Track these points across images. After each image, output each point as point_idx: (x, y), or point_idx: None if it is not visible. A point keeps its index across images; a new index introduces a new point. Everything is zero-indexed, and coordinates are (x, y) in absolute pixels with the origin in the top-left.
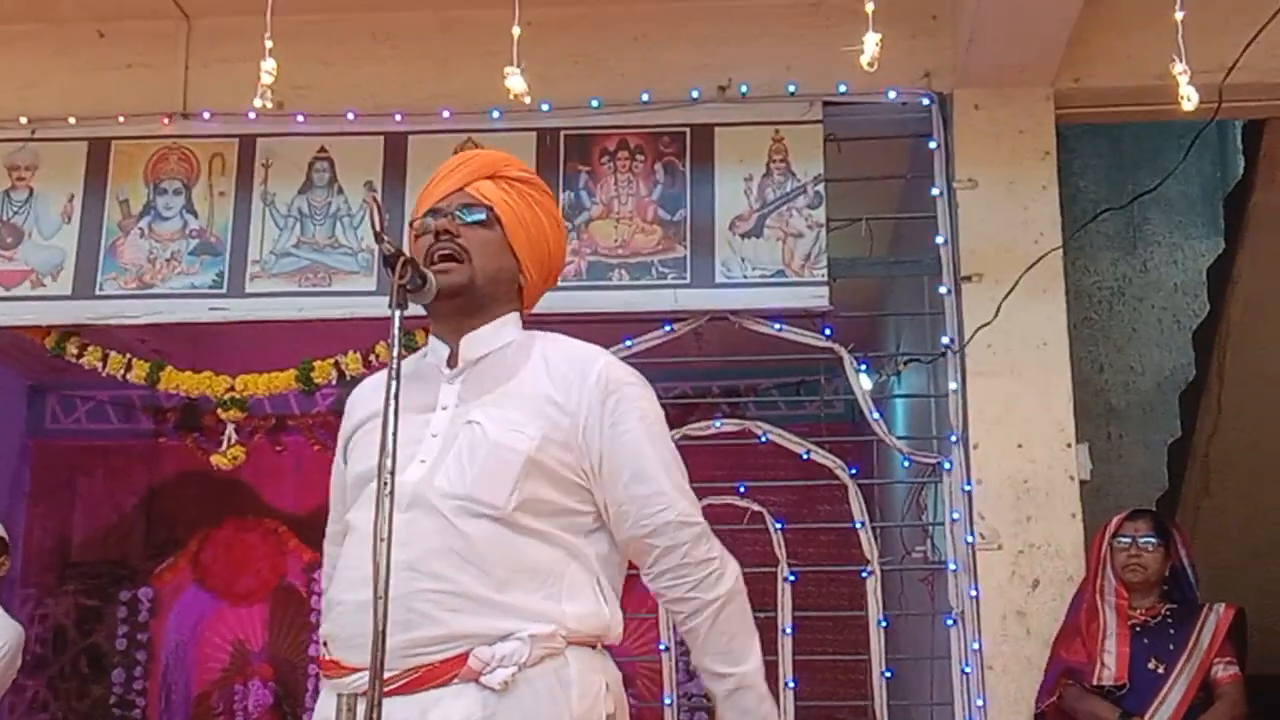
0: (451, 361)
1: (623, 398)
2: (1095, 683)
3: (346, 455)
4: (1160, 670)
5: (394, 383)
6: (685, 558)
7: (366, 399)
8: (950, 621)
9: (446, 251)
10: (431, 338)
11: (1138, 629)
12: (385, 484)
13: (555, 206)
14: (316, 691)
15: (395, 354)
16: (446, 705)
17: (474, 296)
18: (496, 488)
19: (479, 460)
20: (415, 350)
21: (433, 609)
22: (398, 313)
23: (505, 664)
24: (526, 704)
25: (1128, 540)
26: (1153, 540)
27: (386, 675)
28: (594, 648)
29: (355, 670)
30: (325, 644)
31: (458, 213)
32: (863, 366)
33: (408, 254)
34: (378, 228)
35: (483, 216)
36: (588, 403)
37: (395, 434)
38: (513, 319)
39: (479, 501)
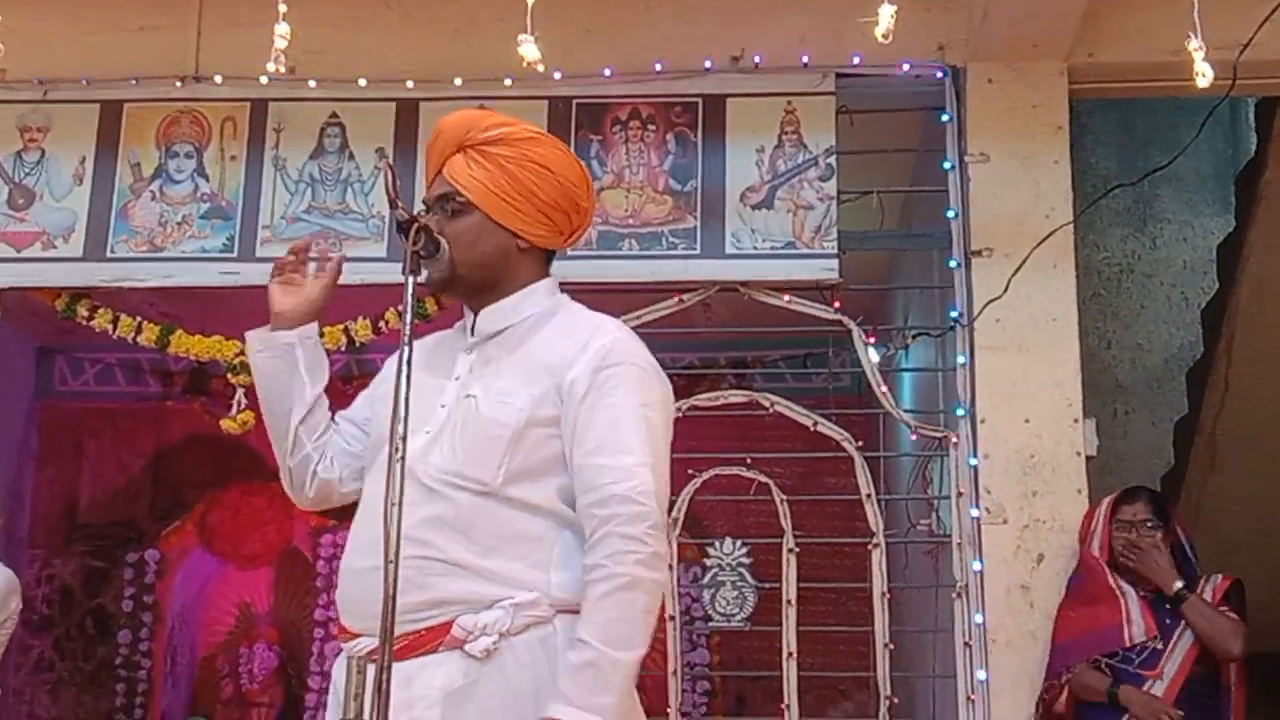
0: (473, 331)
1: (617, 374)
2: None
3: (374, 408)
4: (1159, 646)
5: (407, 348)
6: (615, 528)
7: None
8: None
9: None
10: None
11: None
12: (397, 449)
13: (541, 148)
14: (321, 655)
15: (407, 320)
16: (430, 672)
17: (463, 285)
18: (485, 463)
19: (468, 436)
20: (426, 318)
21: (417, 575)
22: (410, 279)
23: (488, 632)
24: (509, 671)
25: (1126, 524)
26: (1151, 520)
27: (377, 642)
28: None
29: (357, 635)
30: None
31: (438, 205)
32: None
33: (421, 220)
34: (392, 193)
35: (458, 205)
36: (580, 370)
37: (407, 401)
38: (539, 288)
39: (468, 478)
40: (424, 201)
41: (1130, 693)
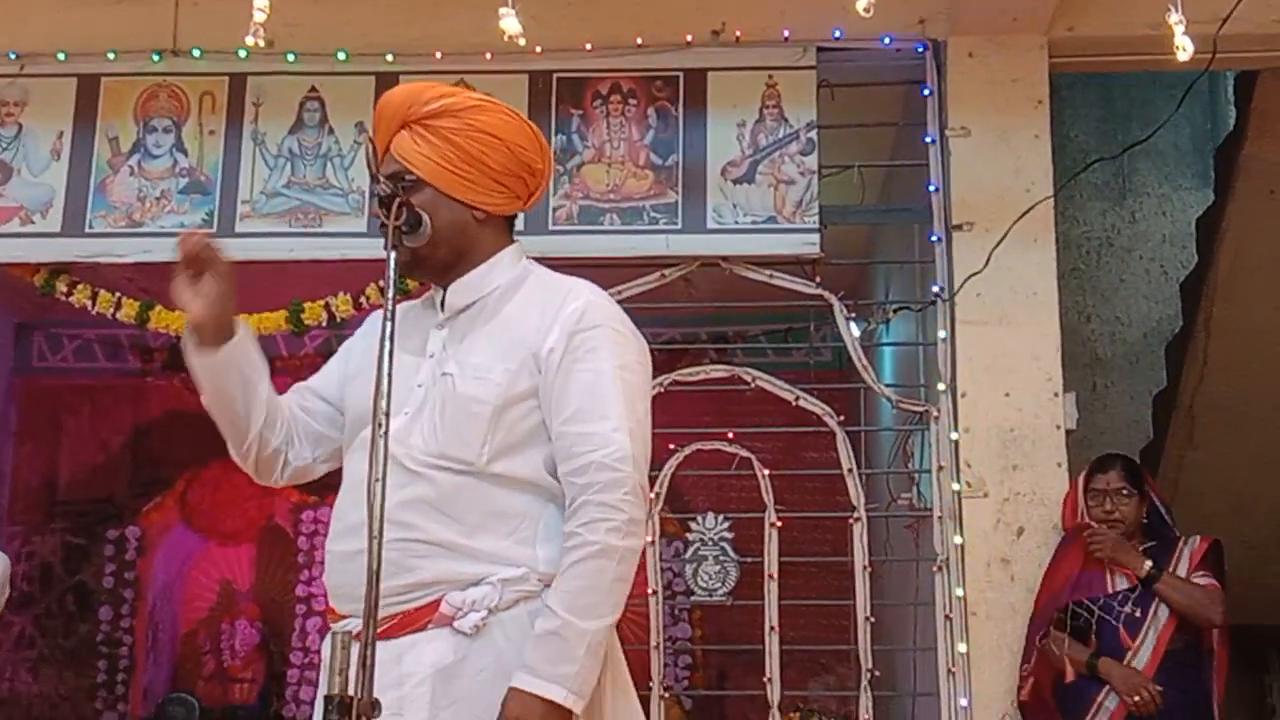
0: (443, 307)
1: (592, 337)
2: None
3: (349, 380)
4: (1137, 613)
5: (389, 324)
6: (592, 495)
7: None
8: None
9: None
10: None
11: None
12: (380, 425)
13: (487, 115)
14: (303, 631)
15: (390, 295)
16: (420, 649)
17: (428, 264)
18: (468, 442)
19: (448, 416)
20: (407, 294)
21: (402, 557)
22: (392, 254)
23: (476, 608)
24: (499, 646)
25: (1100, 493)
26: (1126, 488)
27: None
28: None
29: (344, 617)
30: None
31: (385, 186)
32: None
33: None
34: (373, 169)
35: (407, 184)
36: (556, 337)
37: (390, 377)
38: (504, 257)
39: (451, 459)
40: (376, 177)
41: (1110, 665)
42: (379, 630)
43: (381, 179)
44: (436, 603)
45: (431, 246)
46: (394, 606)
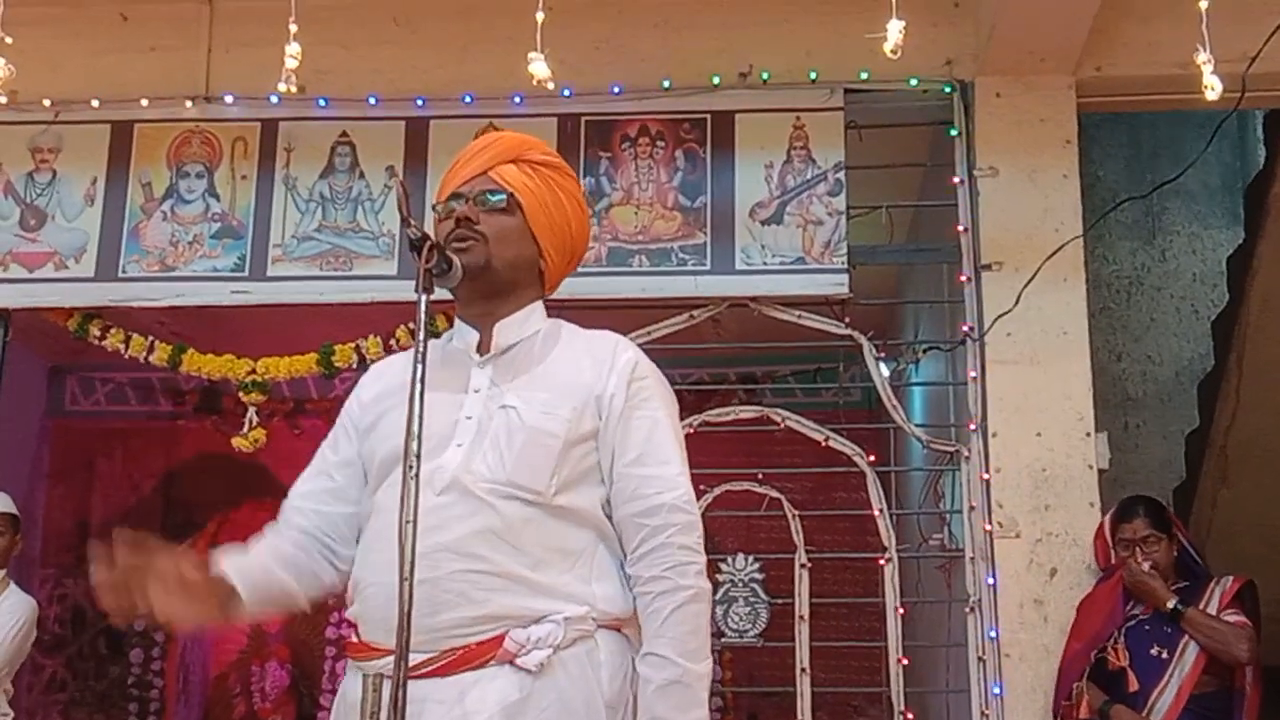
0: (482, 348)
1: (645, 386)
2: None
3: (367, 432)
4: (1164, 655)
5: (420, 366)
6: (671, 538)
7: (385, 375)
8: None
9: (464, 235)
10: (458, 321)
11: (1144, 619)
12: (411, 466)
13: (579, 189)
14: (333, 673)
15: (420, 337)
16: (483, 687)
17: (493, 280)
18: (538, 473)
19: (516, 446)
20: (437, 335)
21: (469, 589)
22: (423, 297)
23: (540, 646)
24: (561, 685)
25: (1129, 543)
26: (1153, 534)
27: (424, 657)
28: (619, 631)
29: (387, 653)
30: (355, 626)
31: (478, 198)
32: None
33: (433, 238)
34: (404, 212)
35: (503, 202)
36: (616, 384)
37: (421, 418)
38: (538, 307)
39: (521, 487)
40: (458, 191)
41: (1121, 712)
42: (437, 666)
43: (413, 222)
44: (499, 638)
45: (505, 264)
46: (459, 639)
